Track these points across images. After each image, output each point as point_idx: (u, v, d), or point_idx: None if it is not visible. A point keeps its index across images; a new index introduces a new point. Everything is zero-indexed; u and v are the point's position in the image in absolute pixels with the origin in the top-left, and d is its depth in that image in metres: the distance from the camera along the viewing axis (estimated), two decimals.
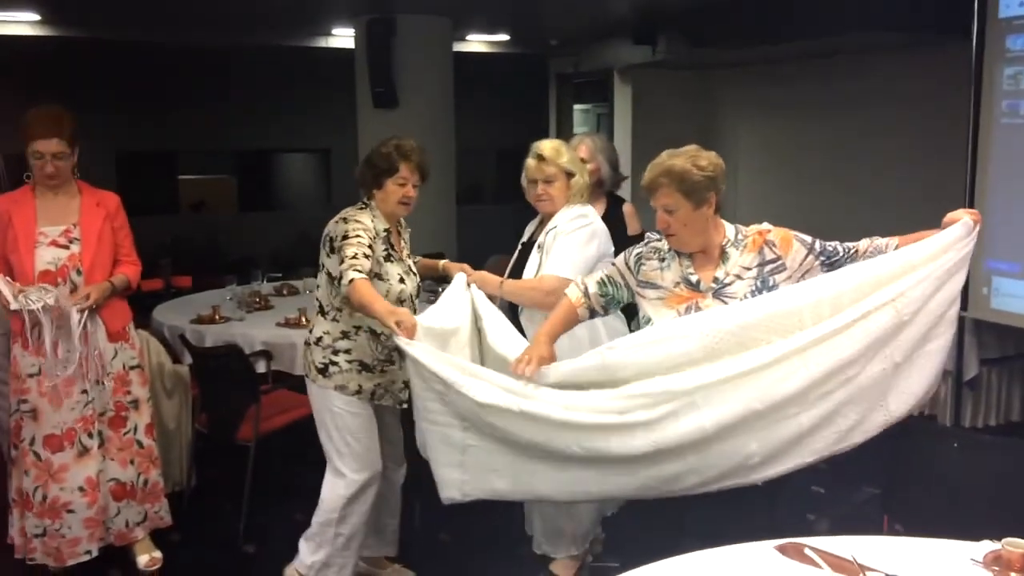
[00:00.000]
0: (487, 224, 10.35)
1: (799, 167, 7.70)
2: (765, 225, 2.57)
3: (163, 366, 4.09)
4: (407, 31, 6.87)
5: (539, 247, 3.20)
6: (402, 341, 2.58)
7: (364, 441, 3.13)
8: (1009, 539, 1.94)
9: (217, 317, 4.60)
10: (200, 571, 3.65)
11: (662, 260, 2.57)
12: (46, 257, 3.25)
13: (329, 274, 3.07)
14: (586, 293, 2.66)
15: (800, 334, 2.34)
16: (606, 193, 3.84)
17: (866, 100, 6.80)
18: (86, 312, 3.23)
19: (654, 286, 2.56)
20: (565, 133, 10.40)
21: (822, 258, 2.51)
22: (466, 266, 3.19)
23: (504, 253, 8.36)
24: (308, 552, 3.20)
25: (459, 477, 2.59)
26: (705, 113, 8.58)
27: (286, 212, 10.29)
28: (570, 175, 3.20)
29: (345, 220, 3.05)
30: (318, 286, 3.20)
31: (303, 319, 4.46)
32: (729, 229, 2.55)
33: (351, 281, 2.81)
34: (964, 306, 4.84)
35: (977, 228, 2.51)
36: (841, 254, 2.51)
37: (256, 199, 10.31)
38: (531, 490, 2.59)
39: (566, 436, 2.41)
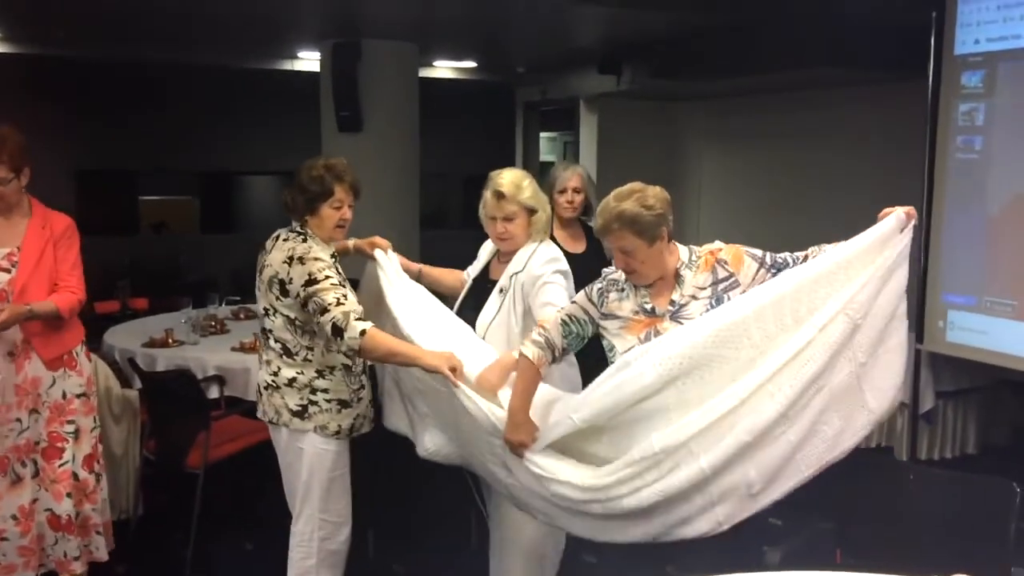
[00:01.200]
0: (452, 249, 10.32)
1: (760, 196, 7.78)
2: (716, 244, 2.59)
3: (111, 390, 3.99)
4: (373, 56, 6.86)
5: (501, 291, 3.00)
6: (462, 392, 2.62)
7: (343, 480, 2.99)
8: (958, 575, 1.92)
9: (170, 340, 4.52)
10: None
11: (621, 291, 2.59)
12: None
13: (287, 317, 2.87)
14: (545, 345, 2.60)
15: (765, 362, 2.35)
16: (583, 223, 3.83)
17: (826, 133, 6.90)
18: None
19: (615, 317, 2.58)
20: (532, 160, 10.45)
21: (773, 270, 2.53)
22: (378, 239, 3.12)
23: None
24: None
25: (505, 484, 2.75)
26: (669, 142, 8.65)
27: (248, 234, 10.13)
28: (532, 212, 3.00)
29: (301, 260, 2.80)
30: (268, 330, 2.94)
31: (259, 343, 4.37)
32: (683, 252, 2.57)
33: (363, 333, 2.69)
34: (920, 339, 4.90)
35: (911, 223, 2.49)
36: (791, 264, 2.53)
37: (218, 221, 10.20)
38: (558, 524, 2.71)
39: (585, 496, 2.49)
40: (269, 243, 2.98)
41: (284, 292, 2.84)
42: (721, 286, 2.51)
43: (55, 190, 3.48)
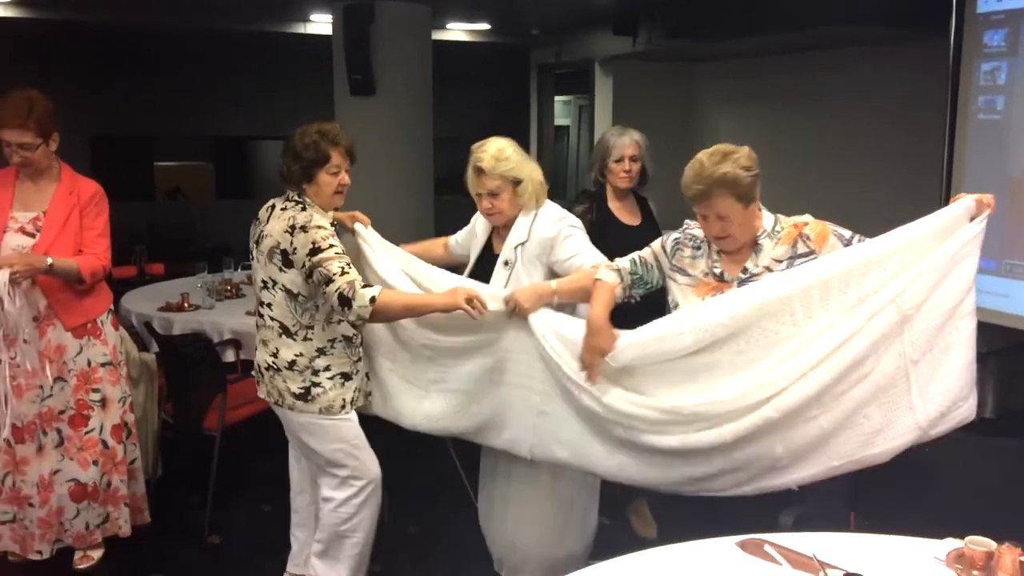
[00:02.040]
0: (466, 214, 10.32)
1: (778, 158, 7.66)
2: (805, 217, 2.49)
3: (128, 354, 4.01)
4: (385, 18, 6.78)
5: (506, 264, 2.92)
6: (491, 314, 2.70)
7: (363, 443, 2.94)
8: (972, 537, 1.92)
9: (186, 305, 4.54)
10: (165, 562, 3.60)
11: (696, 248, 2.55)
12: (11, 243, 3.18)
13: (289, 291, 2.79)
14: (617, 273, 2.63)
15: (803, 342, 2.29)
16: (636, 195, 3.64)
17: (846, 93, 6.79)
18: (18, 281, 3.04)
19: (685, 273, 2.55)
20: (546, 123, 10.36)
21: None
22: (358, 213, 3.08)
23: None
24: (326, 569, 3.01)
25: (530, 440, 2.78)
26: (685, 104, 8.56)
27: (263, 200, 10.11)
28: (516, 183, 2.87)
29: (304, 228, 2.72)
30: (267, 304, 2.85)
31: (256, 321, 4.39)
32: (767, 219, 2.48)
33: (373, 300, 2.66)
34: None
35: (986, 213, 2.28)
36: None
37: (233, 186, 10.20)
38: (587, 464, 2.72)
39: (611, 420, 2.53)
40: (263, 213, 2.90)
41: (287, 263, 2.76)
42: (798, 261, 2.40)
43: (70, 156, 3.46)
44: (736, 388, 2.33)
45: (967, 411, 2.32)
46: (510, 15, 8.49)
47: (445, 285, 2.88)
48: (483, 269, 3.03)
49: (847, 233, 2.46)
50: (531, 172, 2.90)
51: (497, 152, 2.87)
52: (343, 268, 2.70)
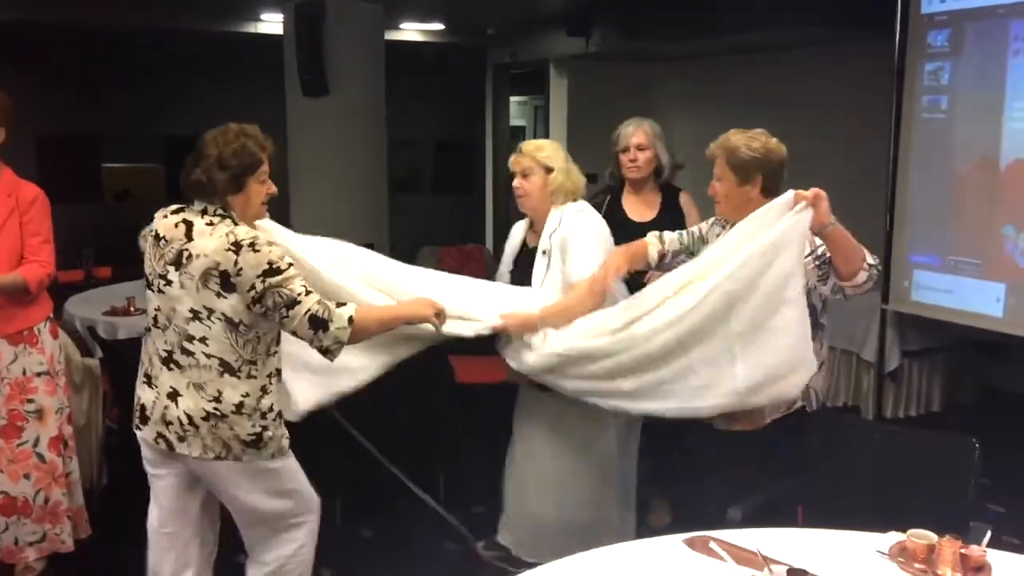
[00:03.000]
0: (423, 214, 10.28)
1: None
2: None
3: (71, 359, 3.93)
4: (338, 17, 6.73)
5: (544, 253, 3.06)
6: (447, 327, 2.72)
7: (302, 474, 2.66)
8: (914, 531, 1.94)
9: (132, 309, 4.45)
10: (111, 570, 3.52)
11: (723, 226, 2.83)
12: None
13: (229, 320, 2.37)
14: (660, 239, 2.93)
15: (662, 308, 2.67)
16: (661, 184, 3.63)
17: (796, 94, 6.87)
18: None
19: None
20: (501, 124, 10.35)
21: (817, 261, 2.57)
22: None
23: (439, 245, 8.30)
24: None
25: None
26: (640, 105, 8.49)
27: None
28: (548, 170, 3.04)
29: (253, 247, 2.34)
30: (198, 339, 2.38)
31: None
32: None
33: (351, 320, 2.40)
34: (885, 299, 4.94)
35: (801, 204, 2.43)
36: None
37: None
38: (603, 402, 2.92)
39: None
40: (171, 227, 2.44)
41: (228, 287, 2.35)
42: None
43: (15, 157, 3.35)
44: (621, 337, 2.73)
45: (787, 389, 2.57)
46: (464, 15, 8.47)
47: (386, 279, 2.86)
48: (523, 265, 3.16)
49: (820, 243, 2.57)
50: (566, 168, 3.08)
51: (543, 142, 3.15)
52: (306, 287, 2.39)
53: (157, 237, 2.47)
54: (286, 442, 2.56)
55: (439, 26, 8.84)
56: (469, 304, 2.90)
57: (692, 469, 2.98)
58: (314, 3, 6.67)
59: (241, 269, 2.34)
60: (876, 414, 5.15)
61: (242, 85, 8.99)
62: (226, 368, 2.41)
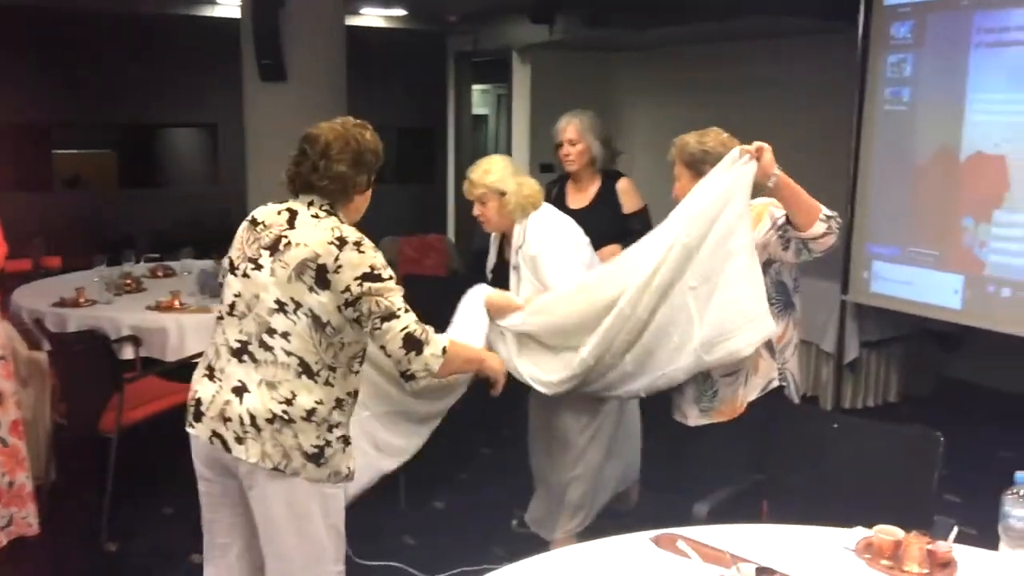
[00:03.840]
0: (385, 204, 10.13)
1: None
2: (759, 201, 2.66)
3: (18, 353, 3.79)
4: (295, 1, 6.57)
5: (515, 269, 3.16)
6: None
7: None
8: (881, 526, 1.92)
9: (82, 300, 4.31)
10: (59, 570, 3.41)
11: None
12: None
13: (317, 318, 2.20)
14: None
15: (631, 279, 2.75)
16: (600, 170, 3.76)
17: (761, 84, 6.88)
18: None
19: None
20: (464, 112, 10.26)
21: (778, 231, 2.61)
22: None
23: (400, 235, 8.20)
24: None
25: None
26: (604, 94, 8.55)
27: (169, 189, 9.85)
28: (501, 194, 3.11)
29: (358, 246, 2.20)
30: (281, 333, 2.21)
31: (176, 302, 4.22)
32: None
33: (444, 350, 2.25)
34: (844, 290, 4.96)
35: (746, 157, 2.51)
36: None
37: (138, 175, 9.79)
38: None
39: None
40: (275, 215, 2.30)
41: (323, 282, 2.18)
42: None
43: None
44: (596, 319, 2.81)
45: (739, 346, 2.59)
46: (426, 1, 8.36)
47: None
48: (501, 278, 3.25)
49: (779, 213, 2.61)
50: (517, 186, 3.11)
51: (489, 163, 3.17)
52: (405, 307, 2.23)
53: (254, 221, 2.32)
54: (345, 470, 2.30)
55: (401, 12, 8.73)
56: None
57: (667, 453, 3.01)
58: None
59: (341, 266, 2.18)
60: (835, 405, 5.18)
61: (198, 70, 8.80)
62: (305, 369, 2.21)
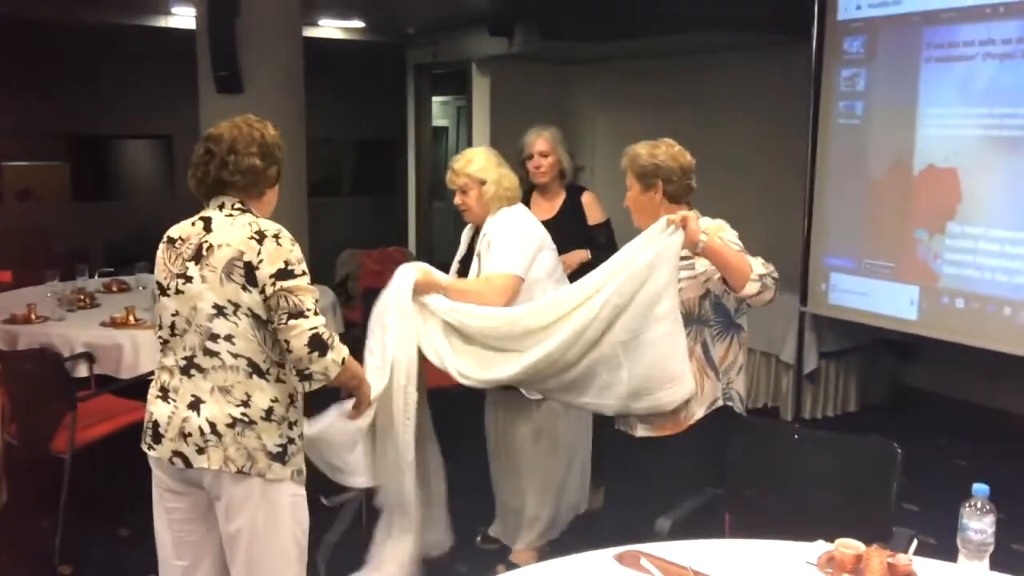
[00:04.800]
0: (344, 217, 10.08)
1: None
2: (714, 223, 2.69)
3: None
4: (252, 11, 6.50)
5: (478, 255, 3.23)
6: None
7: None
8: (842, 540, 1.93)
9: (33, 316, 4.21)
10: None
11: None
12: None
13: (256, 316, 2.19)
14: None
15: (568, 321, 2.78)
16: (567, 185, 3.85)
17: (717, 97, 6.95)
18: None
19: None
20: (423, 124, 10.24)
21: (719, 275, 2.64)
22: None
23: (360, 247, 8.15)
24: None
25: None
26: (563, 106, 8.59)
27: (124, 202, 9.68)
28: (482, 183, 3.19)
29: (276, 239, 2.20)
30: (224, 337, 2.19)
31: (131, 318, 4.13)
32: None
33: (344, 360, 2.24)
34: (803, 301, 5.02)
35: (671, 228, 2.57)
36: None
37: (91, 188, 9.61)
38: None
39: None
40: (191, 226, 2.27)
41: (252, 280, 2.17)
42: (681, 263, 2.64)
43: None
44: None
45: (662, 401, 2.71)
46: (383, 13, 8.34)
47: None
48: (465, 268, 3.32)
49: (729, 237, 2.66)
50: (497, 177, 3.20)
51: (471, 155, 3.26)
52: (316, 309, 2.21)
53: (171, 240, 2.30)
54: (303, 466, 2.34)
55: (359, 23, 8.69)
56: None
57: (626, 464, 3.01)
58: None
59: (263, 261, 2.18)
60: (795, 415, 5.23)
61: (153, 81, 8.68)
62: (254, 369, 2.21)
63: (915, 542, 2.02)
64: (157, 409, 2.28)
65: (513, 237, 3.17)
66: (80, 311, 4.45)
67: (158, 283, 2.31)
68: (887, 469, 2.39)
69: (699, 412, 2.76)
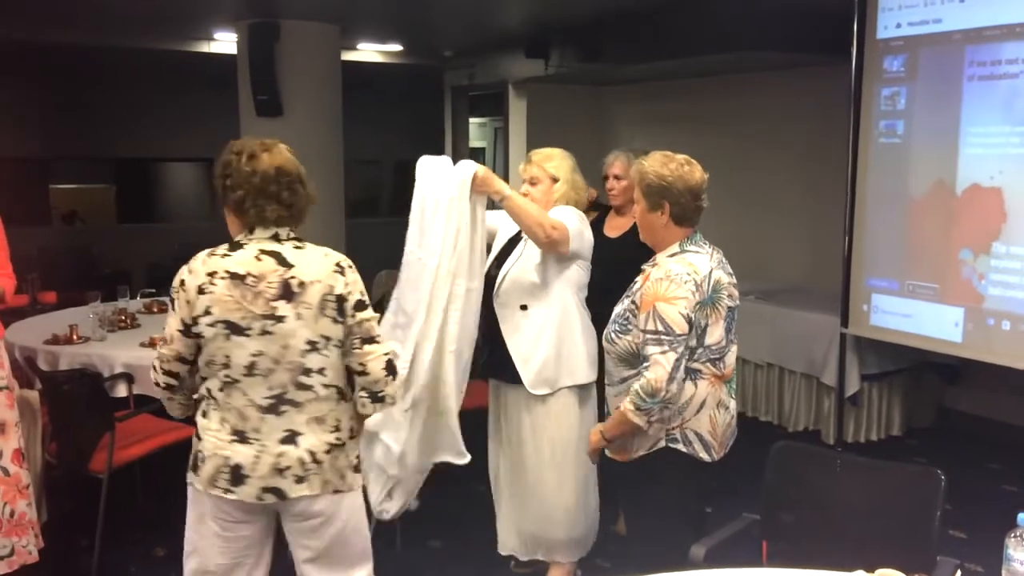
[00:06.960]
0: (382, 237, 10.13)
1: None
2: (670, 268, 2.52)
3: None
4: (292, 37, 6.62)
5: (525, 239, 3.21)
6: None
7: None
8: (883, 570, 1.88)
9: (75, 337, 4.27)
10: None
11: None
12: None
13: (340, 344, 2.27)
14: None
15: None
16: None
17: (755, 117, 6.90)
18: None
19: None
20: (461, 145, 10.29)
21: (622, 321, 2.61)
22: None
23: (397, 268, 8.18)
24: None
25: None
26: (599, 127, 8.59)
27: (167, 224, 9.86)
28: (554, 180, 3.23)
29: (351, 268, 2.31)
30: (318, 370, 2.22)
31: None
32: (673, 248, 2.59)
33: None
34: (844, 323, 4.93)
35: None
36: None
37: (135, 210, 9.82)
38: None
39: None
40: (257, 260, 2.21)
41: (342, 312, 2.24)
42: (631, 297, 2.59)
43: None
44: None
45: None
46: (421, 36, 8.41)
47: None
48: (509, 248, 3.30)
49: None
50: (571, 179, 3.25)
51: (553, 152, 3.30)
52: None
53: (236, 276, 2.19)
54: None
55: (397, 47, 8.78)
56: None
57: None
58: (267, 22, 6.56)
59: (350, 292, 2.26)
60: (837, 439, 5.13)
61: (196, 105, 8.86)
62: (341, 395, 2.30)
63: (959, 572, 1.95)
64: (235, 453, 2.23)
65: (574, 216, 3.19)
66: (121, 331, 4.50)
67: (229, 322, 2.19)
68: (931, 496, 2.33)
69: (641, 449, 2.59)
